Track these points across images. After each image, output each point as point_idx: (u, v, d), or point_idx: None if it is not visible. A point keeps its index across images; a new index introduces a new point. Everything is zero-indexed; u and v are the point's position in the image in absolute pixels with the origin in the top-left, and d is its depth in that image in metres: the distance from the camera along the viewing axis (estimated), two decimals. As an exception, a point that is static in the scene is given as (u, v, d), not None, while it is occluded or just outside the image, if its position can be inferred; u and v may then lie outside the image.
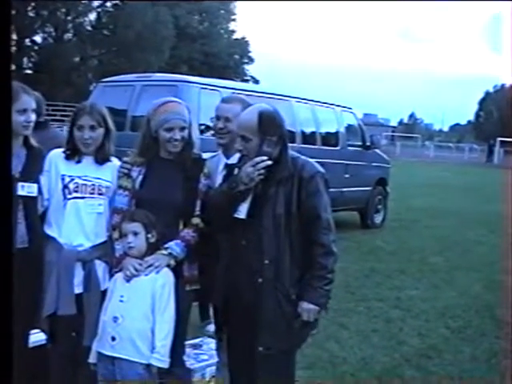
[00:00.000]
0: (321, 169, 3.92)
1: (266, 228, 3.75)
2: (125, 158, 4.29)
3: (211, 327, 6.19)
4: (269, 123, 3.76)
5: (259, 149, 3.72)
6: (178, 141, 4.13)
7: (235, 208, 3.80)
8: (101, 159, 4.30)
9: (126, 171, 4.23)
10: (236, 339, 4.01)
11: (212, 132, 6.94)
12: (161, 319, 3.89)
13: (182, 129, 4.13)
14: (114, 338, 3.88)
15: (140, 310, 3.88)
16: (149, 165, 4.21)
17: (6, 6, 2.80)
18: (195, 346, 5.65)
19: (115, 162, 4.36)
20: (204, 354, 5.50)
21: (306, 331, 3.93)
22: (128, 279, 3.94)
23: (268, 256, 3.73)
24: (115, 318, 3.89)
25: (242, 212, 3.80)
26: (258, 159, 3.68)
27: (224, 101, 4.53)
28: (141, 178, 4.19)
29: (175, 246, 4.10)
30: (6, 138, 2.78)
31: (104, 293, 4.12)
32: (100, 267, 4.22)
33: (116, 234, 4.15)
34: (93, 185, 4.23)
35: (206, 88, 10.27)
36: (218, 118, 4.42)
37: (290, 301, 3.76)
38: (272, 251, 3.74)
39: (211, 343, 5.49)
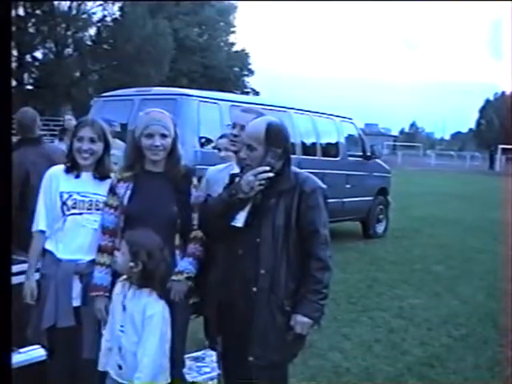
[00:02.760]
0: (322, 184, 3.96)
1: (263, 238, 3.76)
2: (111, 175, 4.31)
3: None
4: (275, 135, 3.80)
5: (263, 159, 3.75)
6: (159, 148, 4.12)
7: (233, 216, 3.80)
8: (100, 175, 4.32)
9: (110, 188, 4.25)
10: (230, 349, 4.01)
11: (213, 145, 6.99)
12: (143, 347, 3.82)
13: (163, 136, 4.12)
14: (120, 367, 3.90)
15: (135, 341, 3.85)
16: (136, 179, 4.20)
17: (7, 21, 2.84)
18: (197, 359, 5.66)
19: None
20: (206, 367, 5.52)
21: (297, 346, 3.94)
22: (123, 308, 3.92)
23: (264, 266, 3.75)
24: (119, 349, 3.90)
25: (240, 220, 3.80)
26: (260, 169, 3.70)
27: (242, 110, 4.64)
28: (129, 193, 4.18)
29: (189, 266, 4.12)
30: (6, 140, 2.80)
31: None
32: None
33: (101, 258, 4.17)
34: (90, 200, 4.26)
35: (204, 101, 10.31)
36: (234, 125, 4.52)
37: (283, 312, 3.76)
38: (268, 262, 3.75)
39: (213, 356, 5.50)
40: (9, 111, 3.72)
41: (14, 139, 5.84)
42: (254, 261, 3.76)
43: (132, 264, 3.82)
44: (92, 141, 4.26)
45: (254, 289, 3.76)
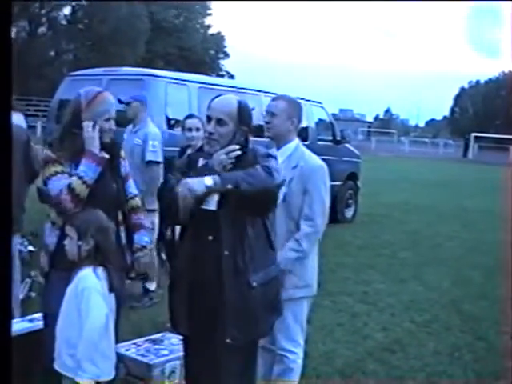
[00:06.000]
0: (272, 152, 4.00)
1: (224, 219, 3.67)
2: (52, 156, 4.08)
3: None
4: (245, 113, 3.75)
5: (233, 136, 3.68)
6: (112, 131, 4.15)
7: (204, 199, 3.66)
8: None
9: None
10: (197, 332, 3.88)
11: (181, 127, 6.91)
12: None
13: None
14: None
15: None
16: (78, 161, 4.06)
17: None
18: (155, 341, 5.59)
19: None
20: (164, 349, 5.44)
21: (273, 317, 3.90)
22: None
23: (227, 247, 3.66)
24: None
25: (212, 203, 3.66)
26: (231, 147, 3.62)
27: (272, 99, 4.77)
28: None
29: (146, 238, 4.12)
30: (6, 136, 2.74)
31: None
32: None
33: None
34: None
35: (173, 82, 10.19)
36: (266, 112, 4.67)
37: (251, 288, 3.68)
38: (230, 242, 3.66)
39: (172, 338, 5.44)
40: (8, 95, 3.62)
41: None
42: (219, 243, 3.68)
43: (80, 243, 3.71)
44: None
45: (221, 271, 3.66)
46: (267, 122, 4.60)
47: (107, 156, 4.08)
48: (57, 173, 3.92)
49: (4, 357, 3.08)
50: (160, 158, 7.41)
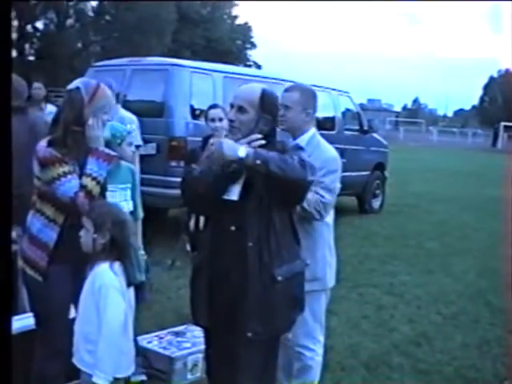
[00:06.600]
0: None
1: (250, 210, 3.59)
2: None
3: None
4: (269, 101, 3.65)
5: (255, 125, 3.59)
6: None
7: (225, 189, 3.60)
8: None
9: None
10: (219, 325, 3.81)
11: (204, 117, 6.85)
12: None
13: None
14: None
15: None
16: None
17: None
18: (178, 334, 5.56)
19: None
20: (187, 342, 5.41)
21: (296, 312, 3.82)
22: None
23: (251, 239, 3.58)
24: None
25: (234, 193, 3.60)
26: (253, 136, 3.52)
27: (285, 90, 4.58)
28: None
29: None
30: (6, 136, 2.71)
31: None
32: None
33: None
34: None
35: (197, 72, 10.13)
36: (280, 105, 4.42)
37: (276, 282, 3.60)
38: (255, 233, 3.59)
39: (195, 331, 5.40)
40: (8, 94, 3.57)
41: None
42: (243, 234, 3.60)
43: (96, 236, 3.62)
44: None
45: (244, 263, 3.59)
46: (281, 115, 4.29)
47: (115, 154, 4.02)
48: (65, 173, 3.79)
49: (4, 355, 3.01)
50: (140, 142, 7.36)
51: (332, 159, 4.54)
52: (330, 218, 4.62)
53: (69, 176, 3.79)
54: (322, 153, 4.44)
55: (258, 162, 3.37)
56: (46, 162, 3.80)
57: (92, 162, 3.85)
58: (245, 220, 3.60)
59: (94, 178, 3.82)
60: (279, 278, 3.61)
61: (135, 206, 5.18)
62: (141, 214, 5.36)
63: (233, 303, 3.64)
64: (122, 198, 4.96)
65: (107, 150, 3.96)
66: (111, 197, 4.71)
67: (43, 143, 3.85)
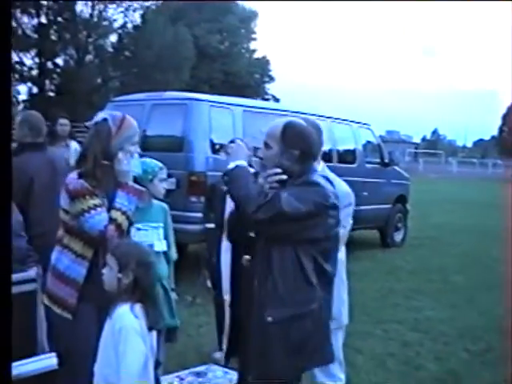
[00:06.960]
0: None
1: (260, 246, 3.54)
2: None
3: (218, 354, 6.00)
4: (293, 135, 3.55)
5: (279, 160, 3.53)
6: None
7: None
8: None
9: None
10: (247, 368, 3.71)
11: (224, 152, 6.79)
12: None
13: None
14: None
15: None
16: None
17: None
18: (199, 374, 5.43)
19: None
20: (208, 383, 5.28)
21: (296, 363, 3.56)
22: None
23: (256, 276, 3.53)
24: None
25: None
26: (270, 171, 3.49)
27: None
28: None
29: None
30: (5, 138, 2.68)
31: None
32: None
33: None
34: None
35: (216, 106, 10.09)
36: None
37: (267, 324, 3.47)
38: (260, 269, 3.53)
39: (217, 371, 5.28)
40: (8, 116, 3.52)
41: (14, 144, 5.60)
42: (253, 271, 3.57)
43: (120, 275, 3.54)
44: None
45: (251, 301, 3.53)
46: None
47: (143, 189, 3.98)
48: (95, 206, 3.75)
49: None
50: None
51: (344, 194, 4.44)
52: (341, 253, 4.50)
53: (99, 209, 3.76)
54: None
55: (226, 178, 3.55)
56: (76, 193, 3.76)
57: (122, 196, 3.84)
58: (255, 256, 3.58)
59: (123, 212, 3.80)
60: (269, 319, 3.45)
61: (168, 246, 5.10)
62: (174, 255, 5.28)
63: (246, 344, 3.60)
64: (155, 238, 4.89)
65: (136, 186, 3.94)
66: (144, 236, 4.67)
67: (74, 175, 3.81)
